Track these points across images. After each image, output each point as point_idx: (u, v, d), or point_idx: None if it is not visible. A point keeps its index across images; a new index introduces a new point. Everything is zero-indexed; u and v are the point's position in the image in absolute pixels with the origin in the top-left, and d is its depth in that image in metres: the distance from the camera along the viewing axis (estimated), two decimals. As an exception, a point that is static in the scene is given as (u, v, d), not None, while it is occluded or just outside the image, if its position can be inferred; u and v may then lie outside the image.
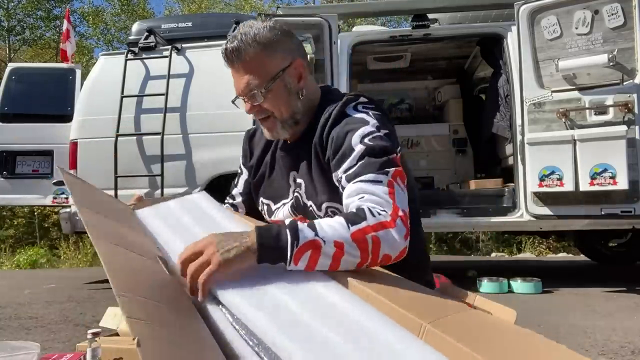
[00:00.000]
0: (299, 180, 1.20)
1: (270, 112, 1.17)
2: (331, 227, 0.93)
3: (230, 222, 1.15)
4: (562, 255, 8.72)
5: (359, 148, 1.05)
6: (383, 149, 1.05)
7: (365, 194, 1.00)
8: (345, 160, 1.06)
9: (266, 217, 1.33)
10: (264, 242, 0.90)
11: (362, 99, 1.16)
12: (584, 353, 2.07)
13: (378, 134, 1.07)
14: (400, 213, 0.98)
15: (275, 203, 1.29)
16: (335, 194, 1.12)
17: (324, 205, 1.15)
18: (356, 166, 1.04)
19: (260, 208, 1.34)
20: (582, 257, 6.17)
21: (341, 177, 1.06)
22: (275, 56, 1.15)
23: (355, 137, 1.06)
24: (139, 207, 1.27)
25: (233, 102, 1.20)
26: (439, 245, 11.26)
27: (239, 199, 1.42)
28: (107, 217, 1.08)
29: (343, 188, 1.06)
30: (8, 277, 6.27)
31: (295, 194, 1.21)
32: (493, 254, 10.25)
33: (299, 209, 1.21)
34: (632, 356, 2.02)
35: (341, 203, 1.07)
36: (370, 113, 1.12)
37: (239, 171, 1.42)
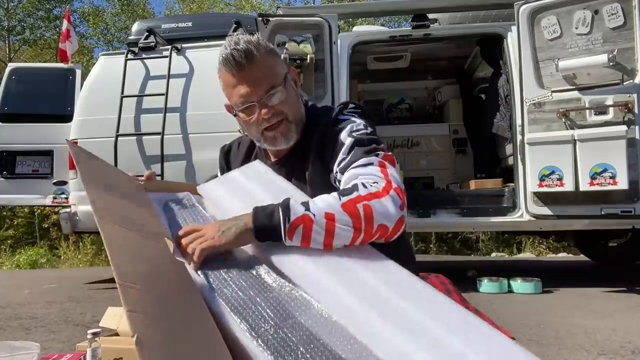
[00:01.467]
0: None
1: (285, 115, 1.15)
2: (323, 200, 0.95)
3: (289, 187, 1.14)
4: (562, 255, 8.72)
5: (348, 141, 1.09)
6: (371, 140, 1.10)
7: (359, 175, 1.02)
8: (338, 154, 1.09)
9: None
10: (259, 222, 0.95)
11: (350, 105, 1.20)
12: (584, 353, 2.08)
13: (365, 130, 1.12)
14: (394, 185, 0.98)
15: None
16: None
17: None
18: (348, 157, 1.07)
19: None
20: (582, 257, 6.16)
21: (336, 172, 1.09)
22: (279, 60, 1.18)
23: (344, 133, 1.11)
24: (150, 186, 1.25)
25: (236, 114, 1.17)
26: (439, 245, 11.25)
27: None
28: (115, 196, 1.05)
29: (339, 181, 1.08)
30: (8, 277, 6.27)
31: None
32: (493, 254, 10.25)
33: None
34: (632, 356, 2.02)
35: None
36: (356, 115, 1.17)
37: None
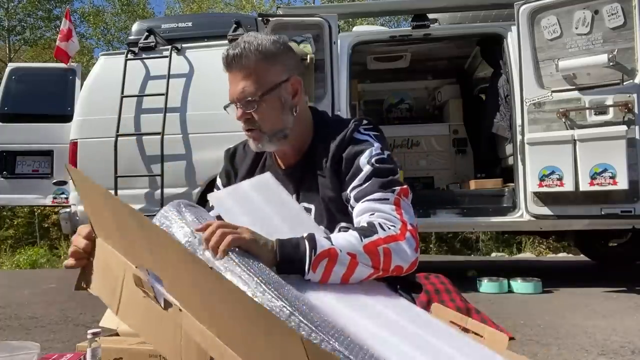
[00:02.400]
0: (307, 206, 1.19)
1: (258, 125, 1.16)
2: (345, 239, 0.99)
3: (300, 209, 1.16)
4: (562, 255, 8.72)
5: (367, 168, 1.11)
6: (389, 170, 1.12)
7: (374, 211, 1.06)
8: (354, 179, 1.12)
9: None
10: (285, 251, 0.95)
11: (364, 122, 1.21)
12: (584, 353, 2.08)
13: (382, 155, 1.14)
14: (409, 227, 1.04)
15: None
16: (349, 214, 1.16)
17: (338, 226, 1.16)
18: (364, 185, 1.10)
19: None
20: (582, 257, 6.16)
21: (350, 196, 1.12)
22: (275, 68, 1.16)
23: (363, 158, 1.12)
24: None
25: (225, 108, 1.20)
26: (439, 245, 11.25)
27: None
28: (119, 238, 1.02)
29: (352, 207, 1.12)
30: (8, 277, 6.27)
31: None
32: (493, 254, 10.25)
33: None
34: (632, 356, 2.02)
35: (353, 223, 1.12)
36: (372, 135, 1.18)
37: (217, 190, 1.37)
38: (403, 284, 1.15)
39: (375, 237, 0.99)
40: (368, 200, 1.08)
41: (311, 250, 0.94)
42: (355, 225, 1.09)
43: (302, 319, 0.78)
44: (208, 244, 0.92)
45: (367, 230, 1.01)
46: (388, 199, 1.07)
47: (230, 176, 1.33)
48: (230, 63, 1.15)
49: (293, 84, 1.19)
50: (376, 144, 1.15)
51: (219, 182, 1.36)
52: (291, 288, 0.88)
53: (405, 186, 1.11)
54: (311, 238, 0.96)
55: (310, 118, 1.26)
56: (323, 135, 1.21)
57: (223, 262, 0.91)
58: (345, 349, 0.75)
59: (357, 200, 1.10)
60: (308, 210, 1.19)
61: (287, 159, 1.24)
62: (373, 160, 1.12)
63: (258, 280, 0.85)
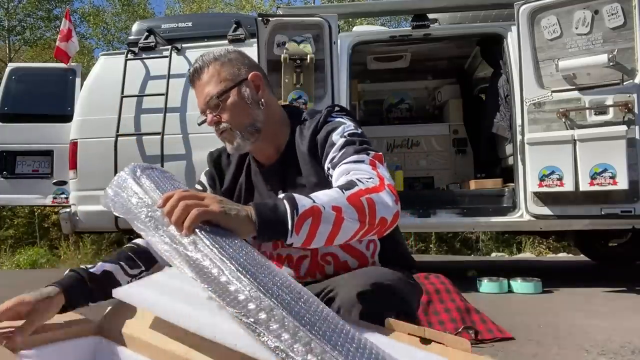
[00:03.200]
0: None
1: (228, 125, 1.18)
2: (326, 194, 0.93)
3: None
4: (562, 255, 8.72)
5: (340, 141, 1.12)
6: (362, 140, 1.13)
7: (351, 170, 1.05)
8: (329, 153, 1.13)
9: None
10: (262, 215, 0.86)
11: (336, 108, 1.24)
12: (584, 353, 2.08)
13: (356, 131, 1.16)
14: (387, 182, 1.02)
15: None
16: None
17: None
18: (339, 154, 1.10)
19: None
20: (582, 257, 6.16)
21: (328, 168, 1.13)
22: (231, 68, 1.20)
23: (336, 134, 1.14)
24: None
25: (199, 124, 1.24)
26: (439, 245, 11.25)
27: None
28: None
29: (331, 176, 1.11)
30: (8, 277, 6.27)
31: None
32: (493, 254, 10.25)
33: None
34: (632, 356, 2.02)
35: None
36: (345, 118, 1.21)
37: None
38: (400, 263, 1.17)
39: (356, 188, 0.95)
40: (344, 163, 1.07)
41: (292, 210, 0.85)
42: (334, 183, 1.08)
43: (285, 315, 0.68)
44: (170, 219, 0.83)
45: (347, 185, 0.97)
46: (363, 161, 1.06)
47: (215, 179, 1.33)
48: (192, 79, 1.21)
49: (254, 80, 1.21)
50: (349, 122, 1.17)
51: (204, 180, 1.34)
52: (272, 269, 0.79)
53: (380, 153, 1.11)
54: (290, 197, 0.88)
55: (284, 115, 1.28)
56: (299, 128, 1.23)
57: (190, 241, 0.81)
58: (333, 348, 0.65)
59: (333, 167, 1.10)
60: None
61: (267, 157, 1.25)
62: (346, 133, 1.13)
63: (233, 267, 0.75)
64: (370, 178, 1.01)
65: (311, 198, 0.90)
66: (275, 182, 1.22)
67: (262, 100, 1.21)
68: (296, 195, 0.90)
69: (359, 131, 1.16)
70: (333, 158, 1.11)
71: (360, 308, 0.91)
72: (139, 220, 0.91)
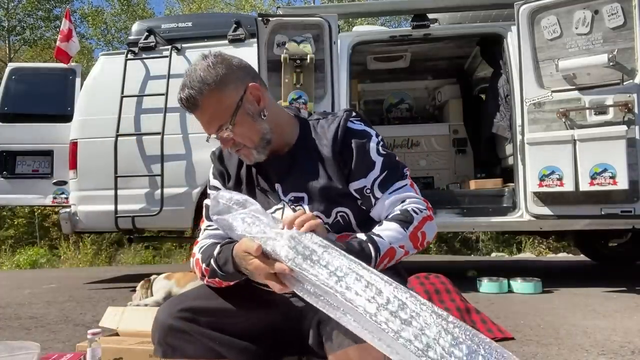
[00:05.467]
0: (298, 195, 1.21)
1: (241, 144, 1.20)
2: (393, 233, 1.10)
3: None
4: (562, 255, 8.73)
5: (379, 160, 1.21)
6: (392, 155, 1.25)
7: (403, 199, 1.19)
8: (371, 171, 1.20)
9: None
10: (352, 253, 1.00)
11: (349, 112, 1.28)
12: (584, 353, 2.08)
13: (382, 142, 1.25)
14: (429, 205, 1.20)
15: None
16: (348, 200, 1.20)
17: (334, 211, 1.19)
18: (382, 176, 1.20)
19: None
20: (582, 257, 6.17)
21: (372, 187, 1.20)
22: (228, 91, 1.16)
23: (372, 150, 1.21)
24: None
25: (207, 140, 1.24)
26: (439, 245, 11.26)
27: None
28: None
29: (375, 197, 1.20)
30: (8, 277, 6.27)
31: (298, 207, 1.20)
32: (493, 254, 10.26)
33: None
34: (632, 356, 2.02)
35: (350, 208, 1.20)
36: (364, 123, 1.27)
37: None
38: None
39: (415, 223, 1.13)
40: (395, 191, 1.19)
41: (376, 252, 1.06)
42: (384, 212, 1.19)
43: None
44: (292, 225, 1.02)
45: (406, 218, 1.13)
46: (406, 184, 1.21)
47: (224, 176, 1.34)
48: (188, 106, 1.17)
49: (252, 93, 1.19)
50: (372, 132, 1.25)
51: (216, 183, 1.35)
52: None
53: (405, 166, 1.25)
54: (371, 240, 1.07)
55: (286, 113, 1.29)
56: (313, 125, 1.26)
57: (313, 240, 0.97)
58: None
59: (382, 190, 1.19)
60: (300, 198, 1.20)
61: (273, 152, 1.25)
62: (380, 148, 1.22)
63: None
64: (423, 208, 1.17)
65: (381, 236, 1.09)
66: (274, 175, 1.24)
67: (264, 110, 1.20)
68: (375, 238, 1.08)
69: (382, 140, 1.25)
70: (377, 179, 1.19)
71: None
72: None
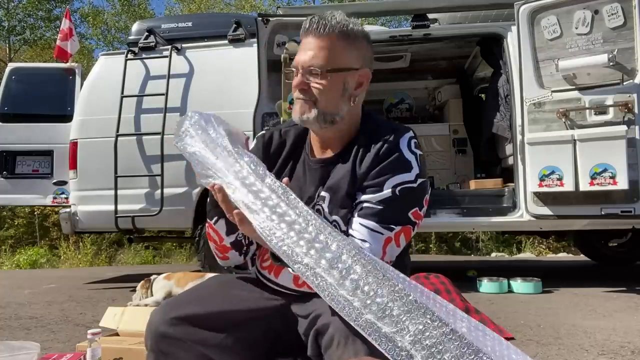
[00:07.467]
0: (322, 194, 1.17)
1: (314, 99, 1.13)
2: None
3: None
4: (562, 255, 8.73)
5: (387, 193, 1.10)
6: (404, 204, 1.11)
7: (365, 238, 1.08)
8: (372, 193, 1.11)
9: None
10: None
11: (412, 133, 1.18)
12: (584, 353, 2.08)
13: (412, 185, 1.11)
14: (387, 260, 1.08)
15: None
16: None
17: (336, 217, 1.15)
18: (373, 205, 1.10)
19: None
20: (582, 257, 6.17)
21: (361, 202, 1.11)
22: (350, 52, 1.13)
23: (393, 180, 1.10)
24: None
25: (287, 70, 1.20)
26: (439, 245, 11.26)
27: None
28: None
29: (355, 210, 1.12)
30: (8, 277, 6.27)
31: (317, 207, 1.18)
32: (493, 254, 10.26)
33: None
34: (632, 356, 2.02)
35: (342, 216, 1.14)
36: (418, 156, 1.14)
37: None
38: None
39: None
40: (366, 226, 1.09)
41: None
42: (351, 228, 1.11)
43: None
44: None
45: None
46: (388, 236, 1.09)
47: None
48: (312, 28, 1.11)
49: (362, 75, 1.16)
50: (413, 171, 1.12)
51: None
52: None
53: (409, 226, 1.11)
54: None
55: (360, 115, 1.24)
56: (369, 134, 1.18)
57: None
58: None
59: (360, 214, 1.10)
60: (323, 198, 1.17)
61: (324, 148, 1.22)
62: (399, 188, 1.10)
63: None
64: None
65: None
66: (318, 176, 1.19)
67: (356, 98, 1.17)
68: None
69: (417, 184, 1.12)
70: (368, 201, 1.10)
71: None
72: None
